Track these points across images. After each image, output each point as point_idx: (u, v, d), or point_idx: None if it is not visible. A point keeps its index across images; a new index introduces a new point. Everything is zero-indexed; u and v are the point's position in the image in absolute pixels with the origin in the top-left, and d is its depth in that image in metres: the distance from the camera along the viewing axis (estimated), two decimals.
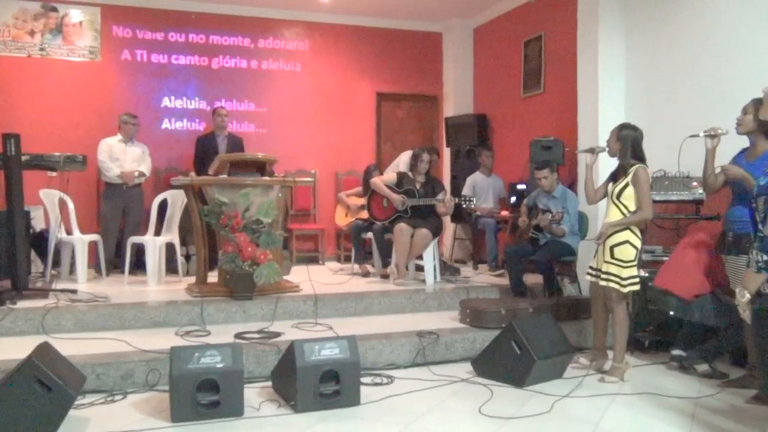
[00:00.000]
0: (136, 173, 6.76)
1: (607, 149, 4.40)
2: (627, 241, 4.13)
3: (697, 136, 4.12)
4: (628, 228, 4.15)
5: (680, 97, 5.37)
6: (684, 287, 4.30)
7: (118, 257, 6.66)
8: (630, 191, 4.15)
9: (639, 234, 4.22)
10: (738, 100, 4.06)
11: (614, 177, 4.34)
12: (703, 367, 4.30)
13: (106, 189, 6.85)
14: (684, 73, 5.36)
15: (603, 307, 4.37)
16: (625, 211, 4.18)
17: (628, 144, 4.19)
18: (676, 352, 4.45)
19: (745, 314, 2.83)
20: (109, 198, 6.76)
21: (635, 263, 4.18)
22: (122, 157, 6.77)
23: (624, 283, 4.14)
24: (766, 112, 3.05)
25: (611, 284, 4.16)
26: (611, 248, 4.16)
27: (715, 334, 4.32)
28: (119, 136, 6.85)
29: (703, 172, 4.11)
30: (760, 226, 2.76)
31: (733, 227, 3.91)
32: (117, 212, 6.71)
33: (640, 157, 4.22)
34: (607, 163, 4.73)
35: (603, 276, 4.21)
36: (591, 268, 4.37)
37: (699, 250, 4.36)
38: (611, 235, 4.17)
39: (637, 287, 4.25)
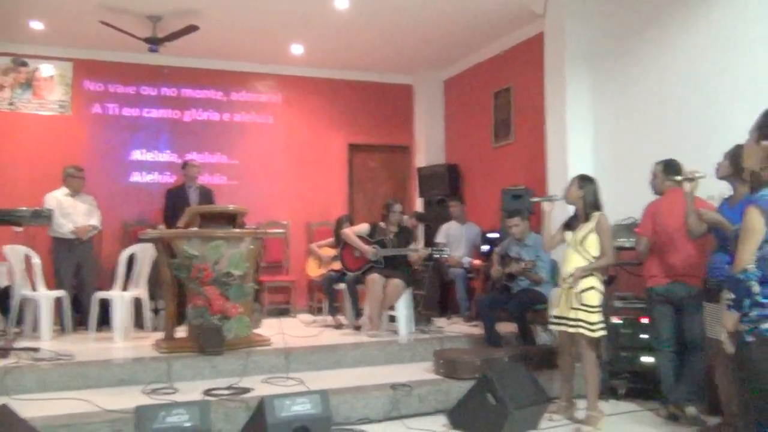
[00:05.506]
0: (90, 228, 6.57)
1: (564, 198, 4.49)
2: (593, 287, 4.19)
3: (677, 178, 4.19)
4: (592, 274, 4.22)
5: (646, 146, 5.47)
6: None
7: (80, 313, 6.47)
8: (593, 238, 4.25)
9: (601, 280, 4.29)
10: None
11: (569, 225, 4.43)
12: (691, 410, 4.22)
13: (55, 245, 6.49)
14: (649, 121, 5.50)
15: (571, 356, 4.37)
16: (588, 257, 4.25)
17: (591, 194, 4.34)
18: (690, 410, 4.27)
19: (728, 346, 2.82)
20: (61, 253, 6.46)
21: (601, 308, 4.22)
22: (73, 212, 6.49)
23: (593, 328, 4.17)
24: (749, 161, 3.08)
25: (581, 330, 4.18)
26: (578, 294, 4.19)
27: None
28: (65, 190, 6.55)
29: (686, 217, 4.12)
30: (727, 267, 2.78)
31: (714, 274, 3.92)
32: (71, 268, 6.47)
33: (597, 206, 4.35)
34: (564, 210, 4.75)
35: (572, 323, 4.22)
36: (555, 316, 4.37)
37: None
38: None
39: (604, 332, 4.27)
